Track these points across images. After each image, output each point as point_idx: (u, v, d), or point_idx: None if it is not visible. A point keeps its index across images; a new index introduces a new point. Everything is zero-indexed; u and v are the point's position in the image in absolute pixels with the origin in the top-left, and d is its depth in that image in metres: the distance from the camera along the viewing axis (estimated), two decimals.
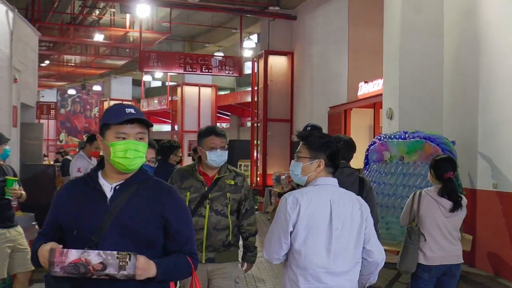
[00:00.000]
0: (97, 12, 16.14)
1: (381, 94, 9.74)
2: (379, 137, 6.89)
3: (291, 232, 2.54)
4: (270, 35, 15.23)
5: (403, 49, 8.47)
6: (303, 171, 2.63)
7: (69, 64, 21.98)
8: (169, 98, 23.65)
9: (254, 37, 19.72)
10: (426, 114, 8.37)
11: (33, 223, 5.79)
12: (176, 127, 22.40)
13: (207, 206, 3.51)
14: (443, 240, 3.90)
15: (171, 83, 24.33)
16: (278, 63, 15.33)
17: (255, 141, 15.85)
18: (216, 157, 3.51)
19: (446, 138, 6.53)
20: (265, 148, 15.09)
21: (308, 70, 14.52)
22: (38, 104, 10.00)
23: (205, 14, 17.40)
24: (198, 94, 21.81)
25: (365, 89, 11.72)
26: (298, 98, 15.02)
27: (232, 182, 3.59)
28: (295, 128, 15.21)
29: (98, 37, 17.01)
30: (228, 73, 15.67)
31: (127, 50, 19.55)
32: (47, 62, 21.95)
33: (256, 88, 15.74)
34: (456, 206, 3.90)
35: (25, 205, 6.48)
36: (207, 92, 22.15)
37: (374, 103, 11.26)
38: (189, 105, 21.62)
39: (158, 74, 27.70)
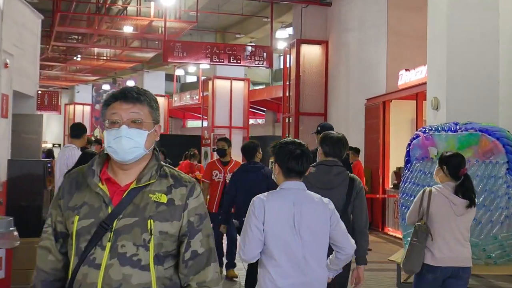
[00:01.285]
0: (122, 0, 15.43)
1: (424, 83, 8.58)
2: (424, 130, 5.75)
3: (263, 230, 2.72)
4: (303, 23, 14.17)
5: (451, 27, 7.27)
6: (273, 173, 2.97)
7: (100, 57, 21.45)
8: (201, 93, 22.84)
9: (290, 30, 18.69)
10: (479, 102, 7.15)
11: (11, 228, 4.95)
12: (206, 123, 21.64)
13: (108, 245, 1.78)
14: (453, 241, 3.75)
15: (203, 78, 23.52)
16: (311, 53, 14.25)
17: (285, 136, 14.82)
18: (116, 140, 1.80)
19: (508, 131, 5.33)
20: None
21: (343, 60, 13.38)
22: (38, 93, 9.15)
23: (236, 4, 16.49)
24: (230, 88, 20.92)
25: (406, 77, 10.51)
26: (333, 90, 13.90)
27: (164, 199, 1.83)
28: (329, 123, 14.08)
29: (126, 28, 16.35)
30: (258, 64, 14.67)
31: (156, 42, 18.83)
32: (79, 56, 21.53)
33: (288, 81, 14.72)
34: (470, 204, 3.75)
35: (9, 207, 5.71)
36: (239, 86, 21.21)
37: (416, 93, 10.04)
38: (221, 100, 20.75)
39: (192, 68, 27.09)
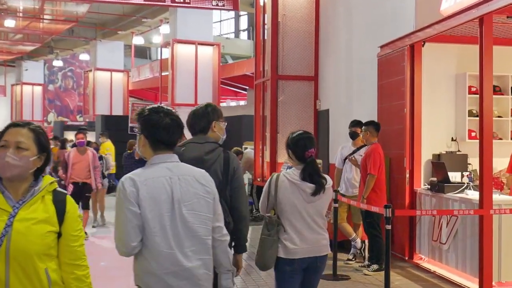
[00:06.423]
0: None
1: None
2: None
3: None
4: None
5: None
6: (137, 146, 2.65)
7: (28, 17, 16.63)
8: (160, 64, 18.21)
9: None
10: None
11: None
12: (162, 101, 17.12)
13: None
14: (306, 230, 3.52)
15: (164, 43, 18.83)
16: None
17: (260, 112, 10.35)
18: None
19: None
20: (275, 122, 9.52)
21: None
22: None
23: None
24: (195, 55, 16.54)
25: None
26: (328, 41, 9.37)
27: None
28: (322, 89, 9.58)
29: None
30: (218, 5, 10.10)
31: None
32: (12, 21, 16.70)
33: (262, 34, 10.23)
34: (318, 189, 3.47)
35: None
36: (207, 52, 16.82)
37: (480, 17, 5.49)
38: (183, 70, 16.45)
39: (156, 38, 22.48)
